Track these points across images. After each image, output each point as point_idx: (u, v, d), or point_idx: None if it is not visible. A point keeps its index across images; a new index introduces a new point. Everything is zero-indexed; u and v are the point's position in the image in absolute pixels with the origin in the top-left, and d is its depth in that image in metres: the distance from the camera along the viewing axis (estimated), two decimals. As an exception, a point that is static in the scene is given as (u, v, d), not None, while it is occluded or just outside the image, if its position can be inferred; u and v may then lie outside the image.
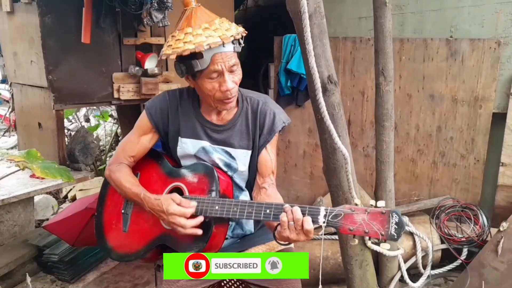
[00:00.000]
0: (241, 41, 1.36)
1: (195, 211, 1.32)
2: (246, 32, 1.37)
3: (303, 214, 1.19)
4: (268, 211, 1.25)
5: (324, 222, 1.18)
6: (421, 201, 2.97)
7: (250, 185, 1.53)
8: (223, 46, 1.29)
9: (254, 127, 1.46)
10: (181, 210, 1.31)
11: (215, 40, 1.27)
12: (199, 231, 1.32)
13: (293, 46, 3.06)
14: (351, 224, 1.15)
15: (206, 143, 1.47)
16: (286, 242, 1.24)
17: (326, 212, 1.18)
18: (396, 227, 1.12)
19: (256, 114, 1.47)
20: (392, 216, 1.13)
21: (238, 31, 1.34)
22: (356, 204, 1.21)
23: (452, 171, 2.94)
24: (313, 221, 1.18)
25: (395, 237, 1.12)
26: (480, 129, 2.83)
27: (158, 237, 1.41)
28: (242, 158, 1.47)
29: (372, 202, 1.20)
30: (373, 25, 2.03)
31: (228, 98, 1.36)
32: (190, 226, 1.31)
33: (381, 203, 1.17)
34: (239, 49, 1.36)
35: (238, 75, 1.37)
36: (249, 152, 1.47)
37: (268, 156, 1.47)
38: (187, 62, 1.31)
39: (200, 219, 1.32)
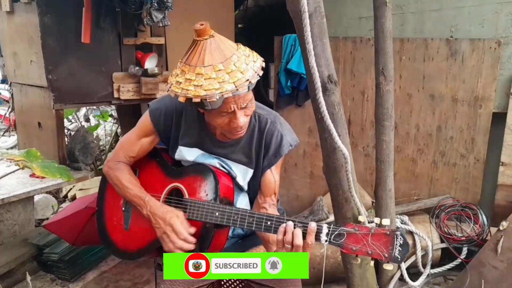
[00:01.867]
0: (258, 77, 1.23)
1: (195, 216, 1.32)
2: (264, 65, 1.25)
3: (304, 233, 1.17)
4: (269, 223, 1.23)
5: (326, 241, 1.17)
6: (421, 200, 2.98)
7: (251, 202, 1.51)
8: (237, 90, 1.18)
9: (259, 147, 1.42)
10: (179, 228, 1.31)
11: (228, 88, 1.16)
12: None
13: (293, 46, 3.05)
14: (354, 244, 1.14)
15: (205, 153, 1.45)
16: None
17: (329, 230, 1.16)
18: (400, 249, 1.11)
19: (262, 134, 1.41)
20: (397, 238, 1.11)
21: (255, 69, 1.21)
22: (359, 222, 1.19)
23: (452, 170, 2.94)
24: (315, 239, 1.17)
25: (399, 259, 1.10)
26: (480, 129, 2.83)
27: (158, 238, 1.39)
28: (241, 173, 1.44)
29: (377, 220, 1.18)
30: (373, 25, 2.03)
31: (238, 131, 1.32)
32: (179, 246, 1.30)
33: (385, 222, 1.16)
34: (254, 85, 1.24)
35: (251, 108, 1.30)
36: (250, 170, 1.44)
37: (272, 177, 1.44)
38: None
39: (191, 247, 1.31)
